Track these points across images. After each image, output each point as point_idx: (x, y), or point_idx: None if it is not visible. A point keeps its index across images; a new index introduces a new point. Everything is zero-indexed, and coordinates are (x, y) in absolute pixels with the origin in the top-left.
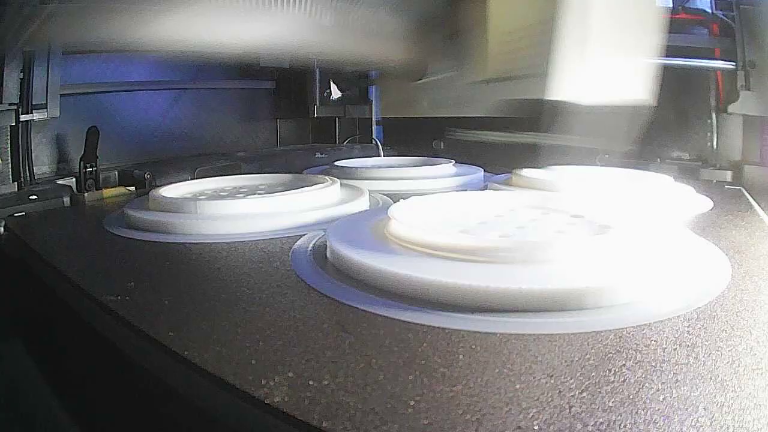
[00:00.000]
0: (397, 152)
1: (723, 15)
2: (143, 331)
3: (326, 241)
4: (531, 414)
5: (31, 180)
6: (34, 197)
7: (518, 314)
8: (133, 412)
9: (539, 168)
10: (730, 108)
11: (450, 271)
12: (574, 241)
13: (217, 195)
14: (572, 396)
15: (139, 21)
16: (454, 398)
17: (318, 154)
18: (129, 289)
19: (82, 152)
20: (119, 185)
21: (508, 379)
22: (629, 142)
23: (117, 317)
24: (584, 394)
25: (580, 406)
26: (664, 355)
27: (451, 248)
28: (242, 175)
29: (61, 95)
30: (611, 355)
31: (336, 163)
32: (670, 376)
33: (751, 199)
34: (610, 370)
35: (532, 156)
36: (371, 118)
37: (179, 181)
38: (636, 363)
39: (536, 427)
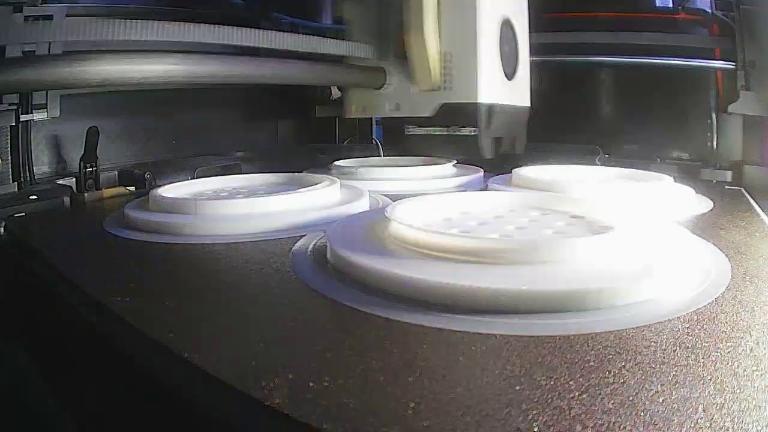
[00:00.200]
0: (396, 152)
1: (723, 15)
2: (143, 332)
3: (326, 242)
4: (531, 416)
5: (31, 180)
6: (34, 197)
7: (518, 315)
8: (132, 413)
9: (538, 167)
10: (730, 108)
11: (450, 272)
12: (575, 242)
13: (217, 195)
14: (572, 398)
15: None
16: (454, 400)
17: (318, 155)
18: (129, 289)
19: (82, 152)
20: (119, 185)
21: (508, 380)
22: (525, 136)
23: (117, 318)
24: (584, 396)
25: (580, 408)
26: (663, 357)
27: (452, 249)
28: (242, 175)
29: (61, 95)
30: (611, 356)
31: (336, 163)
32: (669, 378)
33: (751, 200)
34: (609, 372)
35: (471, 145)
36: (371, 118)
37: (179, 181)
38: (636, 364)
39: (536, 429)
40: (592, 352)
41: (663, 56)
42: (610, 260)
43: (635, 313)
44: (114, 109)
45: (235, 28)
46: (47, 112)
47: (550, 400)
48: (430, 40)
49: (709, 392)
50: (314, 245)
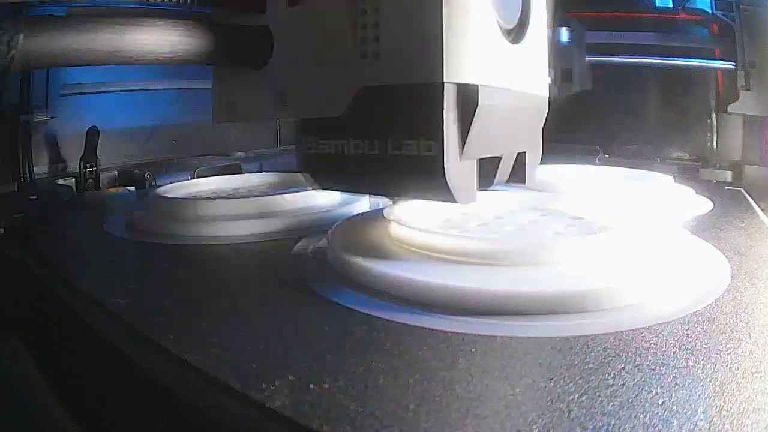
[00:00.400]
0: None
1: (723, 15)
2: (143, 333)
3: (326, 243)
4: (530, 418)
5: (31, 180)
6: (34, 197)
7: (519, 317)
8: (132, 414)
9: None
10: (730, 108)
11: (450, 274)
12: (575, 243)
13: (217, 195)
14: (571, 400)
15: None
16: (454, 402)
17: None
18: (129, 290)
19: (82, 152)
20: (119, 185)
21: (507, 382)
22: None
23: (117, 319)
24: (583, 398)
25: (579, 410)
26: (663, 359)
27: (452, 250)
28: (242, 175)
29: (61, 95)
30: (611, 358)
31: None
32: (669, 380)
33: (751, 200)
34: (609, 374)
35: (427, 176)
36: None
37: (179, 181)
38: (635, 366)
39: (536, 431)
40: (592, 353)
41: (663, 56)
42: (610, 262)
43: (634, 314)
44: (114, 109)
45: None
46: (47, 112)
47: (549, 403)
48: None
49: (708, 394)
50: (314, 246)
